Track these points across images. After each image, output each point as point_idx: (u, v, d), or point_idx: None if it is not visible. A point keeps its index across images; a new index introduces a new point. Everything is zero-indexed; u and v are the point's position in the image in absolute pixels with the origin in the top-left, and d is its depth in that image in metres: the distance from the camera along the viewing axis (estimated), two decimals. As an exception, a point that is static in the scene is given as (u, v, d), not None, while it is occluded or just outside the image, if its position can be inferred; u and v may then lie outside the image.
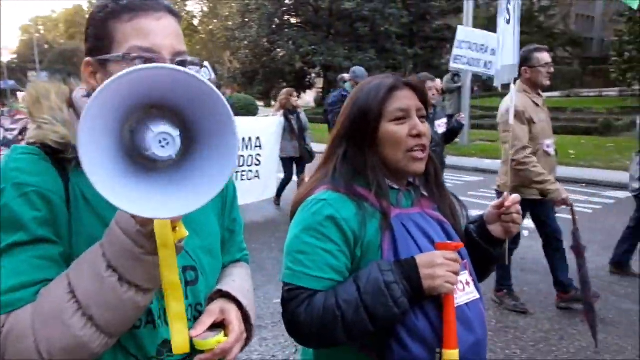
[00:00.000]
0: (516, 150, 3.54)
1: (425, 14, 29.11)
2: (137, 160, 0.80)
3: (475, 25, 11.02)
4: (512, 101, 3.35)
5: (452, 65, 6.27)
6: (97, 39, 0.97)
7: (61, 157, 0.93)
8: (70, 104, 0.99)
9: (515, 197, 1.36)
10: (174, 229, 0.83)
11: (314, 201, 1.25)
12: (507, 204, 1.35)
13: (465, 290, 1.24)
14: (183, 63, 0.95)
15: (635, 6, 4.38)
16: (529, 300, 4.03)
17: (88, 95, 0.98)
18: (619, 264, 4.70)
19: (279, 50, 29.97)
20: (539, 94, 3.81)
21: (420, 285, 1.13)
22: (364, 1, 25.89)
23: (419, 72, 6.02)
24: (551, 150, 3.77)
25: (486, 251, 1.39)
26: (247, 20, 30.80)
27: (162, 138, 0.74)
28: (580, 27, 35.35)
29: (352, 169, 1.29)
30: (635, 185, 4.53)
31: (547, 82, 3.76)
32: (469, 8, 12.44)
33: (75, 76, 1.05)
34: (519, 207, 1.37)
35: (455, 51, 6.15)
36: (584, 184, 9.04)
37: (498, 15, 3.47)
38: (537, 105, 3.72)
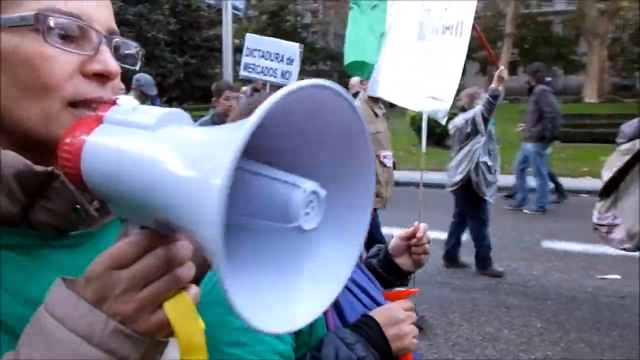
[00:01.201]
0: None
1: (194, 23, 29.03)
2: None
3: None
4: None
5: (243, 74, 5.77)
6: None
7: None
8: None
9: (424, 226, 1.30)
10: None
11: None
12: (419, 234, 1.28)
13: None
14: (117, 49, 0.69)
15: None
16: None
17: None
18: (451, 258, 5.10)
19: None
20: (380, 107, 3.96)
21: (389, 348, 1.00)
22: (127, 5, 24.51)
23: (191, 80, 5.72)
24: (387, 161, 3.97)
25: (393, 285, 1.29)
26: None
27: (309, 200, 0.46)
28: (338, 44, 40.02)
29: None
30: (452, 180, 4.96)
31: None
32: (227, 19, 12.54)
33: None
34: (429, 236, 1.31)
35: (246, 59, 5.69)
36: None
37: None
38: (377, 115, 3.85)
